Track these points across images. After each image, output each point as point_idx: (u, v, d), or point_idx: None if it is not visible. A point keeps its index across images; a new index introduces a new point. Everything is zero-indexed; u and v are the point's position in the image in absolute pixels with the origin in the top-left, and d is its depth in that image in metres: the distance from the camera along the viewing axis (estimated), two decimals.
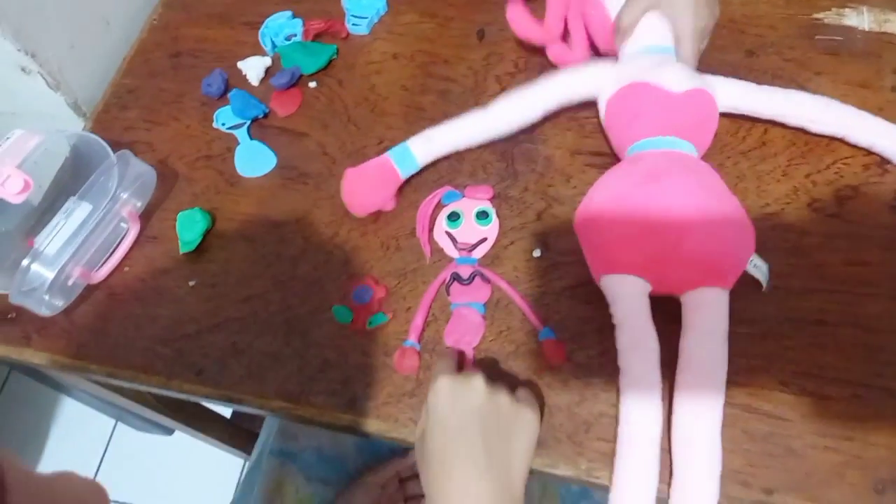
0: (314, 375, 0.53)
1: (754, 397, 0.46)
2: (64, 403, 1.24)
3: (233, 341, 0.55)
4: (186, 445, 1.10)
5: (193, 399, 0.56)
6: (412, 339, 0.52)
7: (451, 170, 0.59)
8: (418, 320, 0.53)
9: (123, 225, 0.60)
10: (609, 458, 0.46)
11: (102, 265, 0.59)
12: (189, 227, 0.59)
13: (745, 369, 0.47)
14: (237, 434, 1.06)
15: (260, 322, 0.56)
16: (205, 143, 0.65)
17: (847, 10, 0.61)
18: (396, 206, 0.58)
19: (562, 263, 0.53)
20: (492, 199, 0.57)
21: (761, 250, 0.51)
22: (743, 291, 0.48)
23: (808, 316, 0.48)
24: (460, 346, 0.52)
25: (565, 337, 0.51)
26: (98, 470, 1.21)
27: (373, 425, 0.50)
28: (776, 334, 0.48)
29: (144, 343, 0.57)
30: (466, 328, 0.52)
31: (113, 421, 1.22)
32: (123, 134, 0.68)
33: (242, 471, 1.17)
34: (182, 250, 0.59)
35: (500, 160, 0.59)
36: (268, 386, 0.53)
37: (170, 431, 1.18)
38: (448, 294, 0.54)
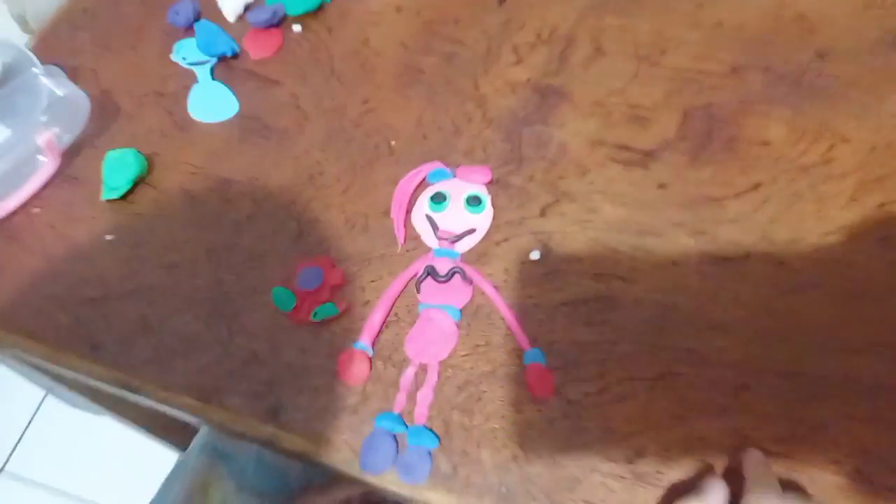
0: (235, 371, 0.42)
1: (798, 473, 0.35)
2: None
3: (143, 314, 0.44)
4: (119, 428, 0.98)
5: (84, 380, 0.45)
6: (364, 342, 0.41)
7: (444, 144, 0.49)
8: (376, 318, 0.42)
9: (41, 158, 0.50)
10: None
11: (3, 201, 0.48)
12: (118, 171, 0.49)
13: (795, 437, 0.36)
14: (171, 427, 0.94)
15: (181, 296, 0.45)
16: (159, 79, 0.55)
17: None
18: (371, 178, 0.48)
19: (563, 272, 0.43)
20: (488, 185, 0.46)
21: (817, 286, 0.40)
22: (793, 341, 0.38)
23: (865, 380, 0.37)
24: (423, 357, 0.41)
25: (556, 364, 0.40)
26: (17, 444, 1.09)
27: (297, 443, 0.39)
28: (833, 397, 0.37)
29: (39, 303, 0.46)
30: (434, 336, 0.41)
31: (42, 392, 1.11)
32: (68, 57, 0.57)
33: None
34: (104, 196, 0.49)
35: (505, 140, 0.48)
36: (176, 376, 0.42)
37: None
38: (418, 292, 0.43)
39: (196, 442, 0.66)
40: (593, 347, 0.40)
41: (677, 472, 0.36)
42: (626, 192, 0.45)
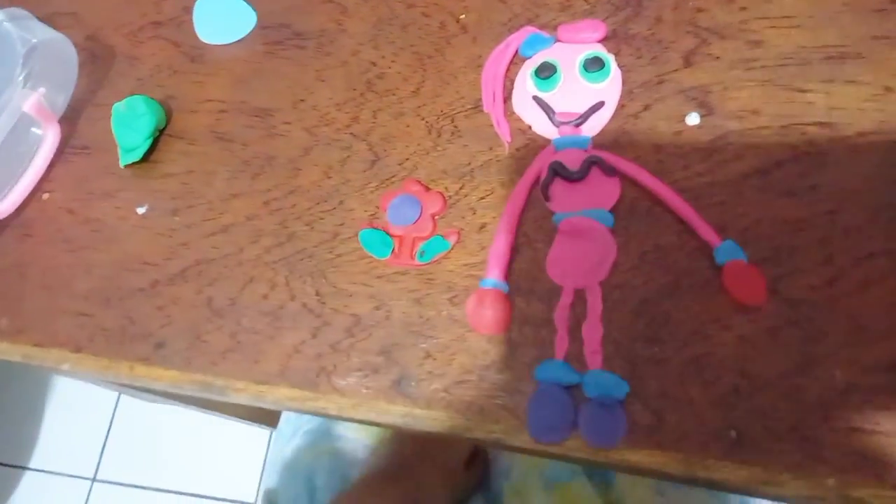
0: (338, 344, 0.32)
1: None
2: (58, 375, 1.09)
3: (207, 296, 0.35)
4: (202, 415, 0.93)
5: (150, 386, 0.36)
6: (493, 277, 0.31)
7: (530, 4, 0.37)
8: (500, 245, 0.32)
9: (36, 131, 0.40)
10: (879, 464, 0.25)
11: (7, 193, 0.39)
12: (131, 127, 0.39)
13: None
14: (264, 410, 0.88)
15: (247, 264, 0.35)
16: (152, 4, 0.44)
17: None
18: (446, 68, 0.37)
19: (737, 133, 0.32)
20: (604, 42, 0.35)
21: None
22: None
23: None
24: (576, 281, 0.31)
25: (761, 256, 0.29)
26: (103, 451, 1.05)
27: (440, 419, 0.30)
28: None
29: (76, 305, 0.37)
30: (584, 252, 0.31)
31: (115, 393, 1.06)
32: (38, 6, 0.46)
33: (270, 441, 1.00)
34: (123, 162, 0.39)
35: None
36: (267, 364, 0.33)
37: None
38: (547, 199, 0.32)
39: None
40: (807, 224, 0.29)
41: None
42: (796, 10, 0.33)
